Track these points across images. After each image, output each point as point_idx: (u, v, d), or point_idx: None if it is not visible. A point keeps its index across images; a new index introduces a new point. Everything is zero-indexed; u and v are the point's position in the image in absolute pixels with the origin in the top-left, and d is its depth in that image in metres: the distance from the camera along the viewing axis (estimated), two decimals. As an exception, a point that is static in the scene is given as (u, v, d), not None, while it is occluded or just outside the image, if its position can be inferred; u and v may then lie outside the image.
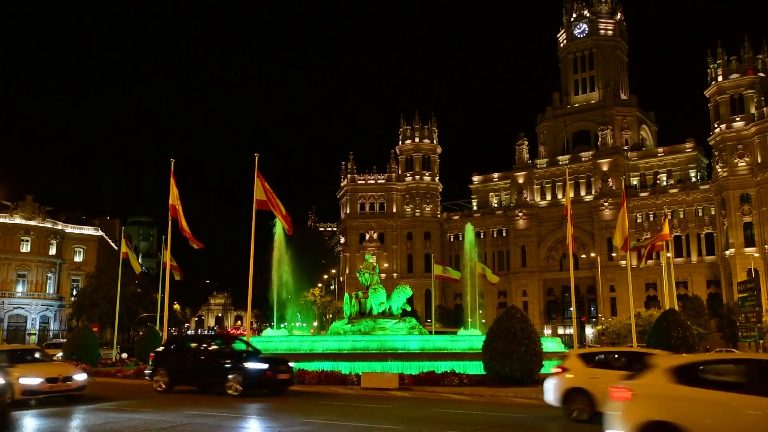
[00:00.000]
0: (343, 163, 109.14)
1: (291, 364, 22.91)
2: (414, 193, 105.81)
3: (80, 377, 19.87)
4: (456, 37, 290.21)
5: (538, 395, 22.26)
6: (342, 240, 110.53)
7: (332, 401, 20.27)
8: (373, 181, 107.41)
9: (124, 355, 46.96)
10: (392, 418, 16.68)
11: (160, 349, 24.85)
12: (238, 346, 23.42)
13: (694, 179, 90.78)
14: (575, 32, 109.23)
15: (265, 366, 21.42)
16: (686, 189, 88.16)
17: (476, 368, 25.71)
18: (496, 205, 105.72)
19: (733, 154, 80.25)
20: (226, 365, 21.67)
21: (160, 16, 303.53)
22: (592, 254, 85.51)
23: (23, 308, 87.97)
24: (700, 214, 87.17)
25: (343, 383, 24.71)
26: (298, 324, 75.49)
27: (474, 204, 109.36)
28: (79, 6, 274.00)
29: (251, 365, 21.35)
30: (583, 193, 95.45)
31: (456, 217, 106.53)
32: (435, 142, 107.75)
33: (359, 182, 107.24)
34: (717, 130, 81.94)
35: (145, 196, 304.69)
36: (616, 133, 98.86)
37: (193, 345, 24.85)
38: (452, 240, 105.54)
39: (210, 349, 23.43)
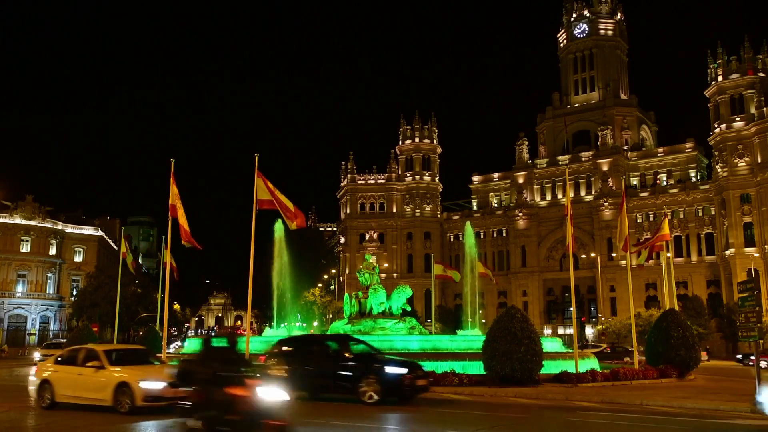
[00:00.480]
0: (343, 163, 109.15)
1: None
2: (414, 193, 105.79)
3: None
4: (456, 37, 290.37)
5: (538, 395, 22.30)
6: (342, 240, 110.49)
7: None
8: (373, 181, 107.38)
9: None
10: (393, 418, 16.66)
11: (274, 350, 22.53)
12: (358, 347, 21.28)
13: (694, 179, 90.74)
14: (575, 32, 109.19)
15: (405, 370, 19.46)
16: (686, 189, 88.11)
17: (476, 368, 25.71)
18: (496, 205, 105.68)
19: (733, 154, 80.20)
20: (359, 369, 19.58)
21: (159, 16, 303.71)
22: (592, 254, 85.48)
23: (23, 308, 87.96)
24: (700, 214, 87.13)
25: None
26: (298, 324, 75.45)
27: (474, 204, 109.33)
28: (79, 5, 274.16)
29: (391, 369, 19.35)
30: (583, 193, 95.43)
31: (456, 217, 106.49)
32: (435, 142, 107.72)
33: (359, 182, 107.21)
34: (717, 130, 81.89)
35: (145, 196, 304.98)
36: (616, 133, 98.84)
37: (312, 347, 22.45)
38: (452, 240, 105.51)
39: (335, 351, 21.10)
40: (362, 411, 17.64)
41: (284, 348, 22.55)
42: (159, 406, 16.34)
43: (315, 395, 19.97)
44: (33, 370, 19.25)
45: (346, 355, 20.51)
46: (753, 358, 52.85)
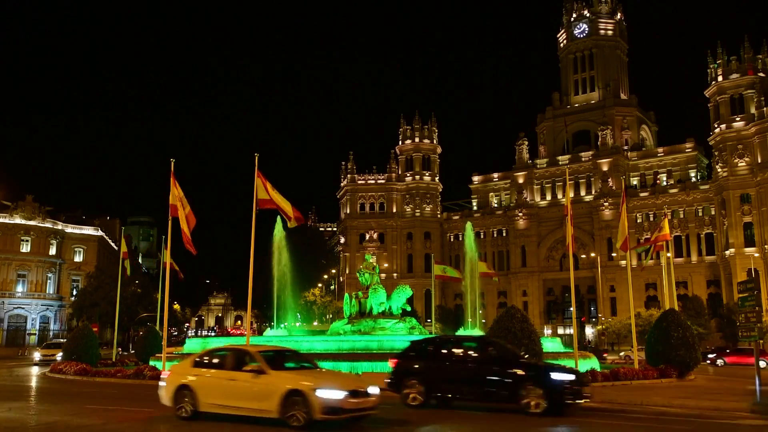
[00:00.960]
0: (343, 163, 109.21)
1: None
2: (414, 193, 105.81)
3: (375, 391, 15.07)
4: (456, 37, 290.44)
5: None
6: (342, 240, 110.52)
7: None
8: (373, 181, 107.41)
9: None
10: (393, 418, 16.65)
11: (408, 353, 20.29)
12: (504, 349, 19.45)
13: (694, 179, 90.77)
14: (575, 32, 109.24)
15: (572, 377, 17.81)
16: (686, 189, 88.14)
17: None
18: (496, 205, 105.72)
19: (733, 154, 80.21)
20: (518, 375, 17.63)
21: (159, 17, 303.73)
22: (592, 254, 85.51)
23: (23, 308, 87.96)
24: (700, 214, 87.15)
25: (343, 383, 24.65)
26: (297, 324, 75.52)
27: (474, 204, 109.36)
28: (79, 6, 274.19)
29: (558, 376, 17.68)
30: (583, 193, 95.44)
31: (456, 217, 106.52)
32: (435, 142, 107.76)
33: (359, 182, 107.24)
34: (717, 130, 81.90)
35: (145, 196, 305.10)
36: (616, 133, 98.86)
37: (456, 350, 20.06)
38: (452, 240, 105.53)
39: (484, 354, 19.01)
40: (530, 422, 16.15)
41: (424, 350, 20.32)
42: (340, 419, 14.03)
43: (448, 402, 18.60)
44: (165, 374, 16.93)
45: (498, 358, 18.60)
46: (710, 357, 53.06)
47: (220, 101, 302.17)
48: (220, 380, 15.34)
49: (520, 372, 17.73)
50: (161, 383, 16.60)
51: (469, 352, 19.34)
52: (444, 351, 19.99)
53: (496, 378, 17.90)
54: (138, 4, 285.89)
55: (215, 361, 16.24)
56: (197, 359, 16.75)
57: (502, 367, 18.05)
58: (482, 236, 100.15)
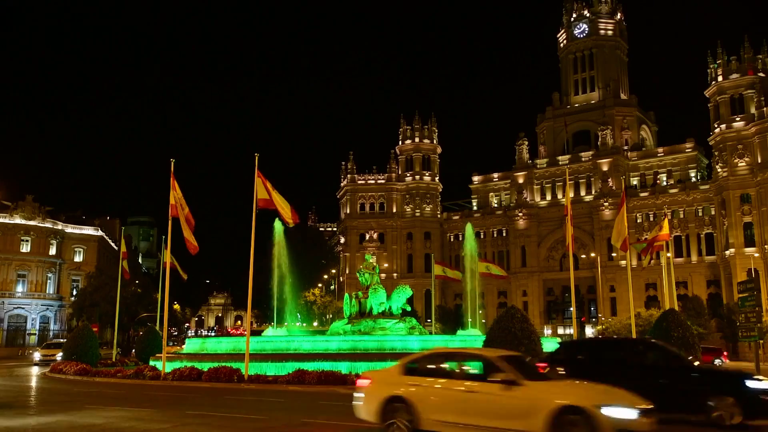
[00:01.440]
0: (343, 163, 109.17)
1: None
2: (414, 193, 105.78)
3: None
4: (456, 37, 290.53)
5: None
6: (342, 240, 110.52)
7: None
8: (373, 181, 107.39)
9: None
10: None
11: (557, 358, 18.65)
12: (671, 353, 17.79)
13: (694, 179, 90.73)
14: (575, 32, 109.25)
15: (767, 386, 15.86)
16: (686, 189, 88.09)
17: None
18: (496, 205, 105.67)
19: (733, 154, 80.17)
20: (703, 382, 16.10)
21: (159, 17, 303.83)
22: (592, 254, 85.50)
23: (23, 308, 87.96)
24: (700, 214, 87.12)
25: (342, 383, 24.72)
26: (298, 324, 75.51)
27: (474, 204, 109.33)
28: (79, 7, 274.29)
29: (754, 384, 15.80)
30: (583, 193, 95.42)
31: (456, 217, 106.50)
32: (435, 142, 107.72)
33: (359, 182, 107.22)
34: (717, 130, 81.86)
35: (145, 196, 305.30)
36: (616, 133, 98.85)
37: (612, 354, 18.28)
38: (452, 240, 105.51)
39: (651, 359, 17.50)
40: None
41: (576, 355, 18.70)
42: None
43: None
44: (364, 382, 14.02)
45: (668, 363, 17.15)
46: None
47: (220, 101, 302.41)
48: (452, 392, 12.77)
49: (705, 379, 16.30)
50: (358, 393, 13.85)
51: (631, 357, 17.71)
52: (600, 356, 18.34)
53: (677, 386, 16.21)
54: (138, 4, 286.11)
55: (439, 367, 13.62)
56: (410, 365, 13.91)
57: (678, 373, 16.55)
58: (482, 236, 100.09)
